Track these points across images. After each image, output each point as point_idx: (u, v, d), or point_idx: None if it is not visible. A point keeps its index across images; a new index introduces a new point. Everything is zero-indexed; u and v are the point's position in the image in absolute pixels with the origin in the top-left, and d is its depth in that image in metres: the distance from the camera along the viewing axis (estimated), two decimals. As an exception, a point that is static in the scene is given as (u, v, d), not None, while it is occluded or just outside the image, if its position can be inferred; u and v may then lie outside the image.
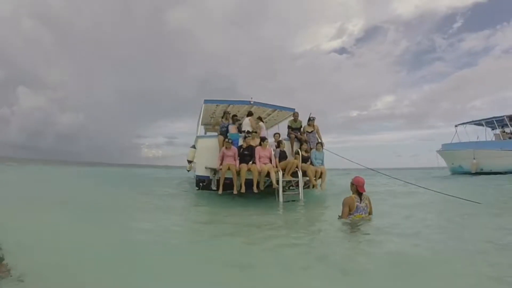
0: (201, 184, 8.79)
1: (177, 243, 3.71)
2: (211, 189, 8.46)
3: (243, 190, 7.57)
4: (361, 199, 4.47)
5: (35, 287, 2.30)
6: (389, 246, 3.41)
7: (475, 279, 2.55)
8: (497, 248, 3.33)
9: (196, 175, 8.91)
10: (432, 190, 7.61)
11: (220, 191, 7.73)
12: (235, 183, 7.68)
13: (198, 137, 9.30)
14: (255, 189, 7.57)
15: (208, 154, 8.56)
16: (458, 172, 20.47)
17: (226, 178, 7.87)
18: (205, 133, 13.44)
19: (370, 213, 4.57)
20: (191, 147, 9.59)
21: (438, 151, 22.13)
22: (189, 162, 9.55)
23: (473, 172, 18.69)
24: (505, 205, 7.14)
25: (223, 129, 8.91)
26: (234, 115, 9.54)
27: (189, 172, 10.63)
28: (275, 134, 9.02)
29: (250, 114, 9.58)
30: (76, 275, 2.51)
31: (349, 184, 4.62)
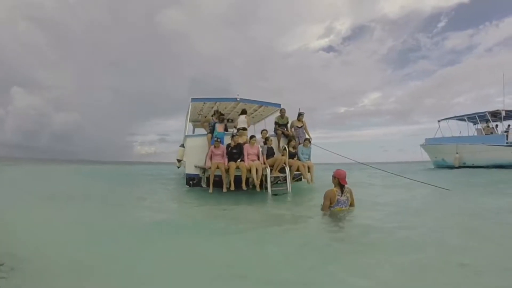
0: (191, 182, 8.81)
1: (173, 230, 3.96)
2: (201, 187, 8.52)
3: (232, 188, 7.59)
4: (342, 192, 4.55)
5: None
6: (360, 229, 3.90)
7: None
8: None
9: (186, 174, 8.91)
10: (408, 178, 8.77)
11: (210, 190, 7.74)
12: (224, 181, 7.72)
13: (186, 136, 9.31)
14: (244, 186, 7.61)
15: (197, 153, 8.57)
16: (442, 165, 20.95)
17: (215, 176, 7.90)
18: (193, 130, 13.45)
19: (351, 205, 4.68)
20: (180, 146, 9.61)
21: (422, 146, 22.61)
22: (179, 161, 9.55)
23: (456, 166, 19.19)
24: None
25: (210, 127, 8.91)
26: (221, 114, 9.53)
27: (179, 168, 10.63)
28: (262, 130, 9.06)
29: (244, 112, 9.63)
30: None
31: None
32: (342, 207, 4.53)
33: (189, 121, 10.97)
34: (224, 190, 7.66)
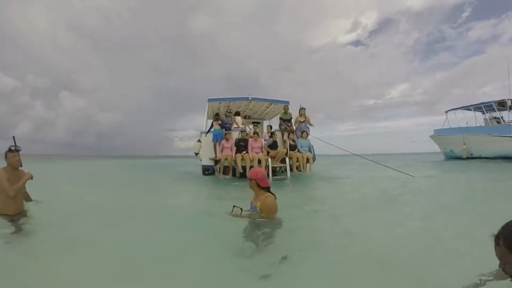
0: (206, 172, 9.64)
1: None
2: (215, 175, 9.36)
3: (237, 175, 8.39)
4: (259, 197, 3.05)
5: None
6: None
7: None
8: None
9: (202, 165, 9.76)
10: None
11: (221, 177, 8.54)
12: (231, 170, 8.63)
13: (201, 132, 10.07)
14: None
15: (210, 147, 9.35)
16: (450, 156, 20.35)
17: (226, 166, 8.71)
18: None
19: (261, 212, 2.98)
20: (197, 141, 10.40)
21: (431, 136, 22.02)
22: (196, 154, 10.35)
23: (464, 157, 18.42)
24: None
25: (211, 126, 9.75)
26: (216, 114, 10.11)
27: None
28: (267, 126, 9.66)
29: (237, 114, 10.46)
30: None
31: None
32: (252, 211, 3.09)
33: (208, 119, 11.75)
34: (229, 176, 8.62)
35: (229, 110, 10.25)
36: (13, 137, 3.54)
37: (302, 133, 9.29)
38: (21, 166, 3.46)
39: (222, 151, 8.81)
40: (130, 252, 2.50)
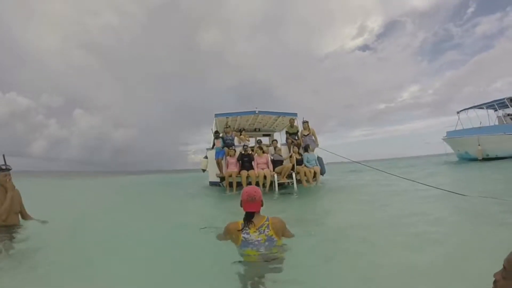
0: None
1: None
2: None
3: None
4: (250, 226, 2.34)
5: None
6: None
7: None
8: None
9: (209, 181, 9.42)
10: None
11: (227, 191, 8.16)
12: (234, 186, 8.26)
13: (207, 149, 9.72)
14: None
15: (215, 163, 8.96)
16: (466, 158, 19.33)
17: (230, 182, 8.36)
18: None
19: (277, 235, 2.38)
20: (204, 157, 10.03)
21: (444, 139, 21.07)
22: (203, 170, 9.96)
23: (480, 158, 17.41)
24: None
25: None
26: (216, 131, 9.83)
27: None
28: (272, 141, 9.23)
29: (240, 131, 10.32)
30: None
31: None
32: (255, 249, 2.30)
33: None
34: (234, 192, 8.12)
35: (227, 126, 9.90)
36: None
37: (305, 147, 8.80)
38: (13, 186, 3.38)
39: (227, 167, 8.41)
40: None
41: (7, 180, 3.28)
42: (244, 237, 2.33)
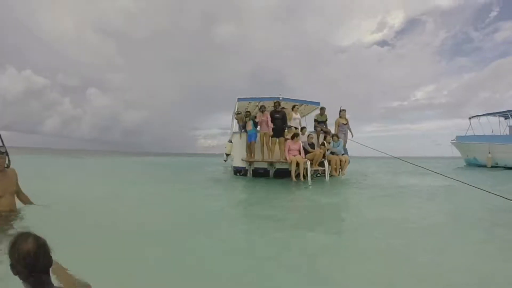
0: (238, 174, 8.83)
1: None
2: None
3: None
4: None
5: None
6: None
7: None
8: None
9: (234, 166, 8.97)
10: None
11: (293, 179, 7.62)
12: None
13: (234, 132, 9.30)
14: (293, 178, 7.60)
15: (243, 148, 8.54)
16: (473, 164, 18.98)
17: (260, 168, 7.92)
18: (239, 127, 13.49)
19: None
20: (228, 141, 9.61)
21: (453, 143, 20.65)
22: (227, 155, 9.56)
23: (489, 166, 17.10)
24: None
25: (242, 127, 8.93)
26: (247, 111, 9.27)
27: (226, 162, 10.71)
28: (302, 128, 8.78)
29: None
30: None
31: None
32: None
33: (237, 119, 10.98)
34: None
35: (237, 112, 9.48)
36: None
37: (332, 136, 8.44)
38: (8, 166, 2.98)
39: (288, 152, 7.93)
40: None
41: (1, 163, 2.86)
42: None
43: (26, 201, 3.19)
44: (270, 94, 9.80)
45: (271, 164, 8.16)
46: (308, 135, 8.40)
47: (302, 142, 8.07)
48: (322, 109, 9.20)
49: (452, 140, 20.78)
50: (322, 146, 8.13)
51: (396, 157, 9.88)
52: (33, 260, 0.99)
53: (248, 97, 10.21)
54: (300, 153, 7.80)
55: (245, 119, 8.78)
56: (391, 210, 4.53)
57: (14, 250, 1.01)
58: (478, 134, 18.89)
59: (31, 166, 10.80)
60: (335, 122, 8.93)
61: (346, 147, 8.87)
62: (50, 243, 1.07)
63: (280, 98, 9.46)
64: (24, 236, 1.04)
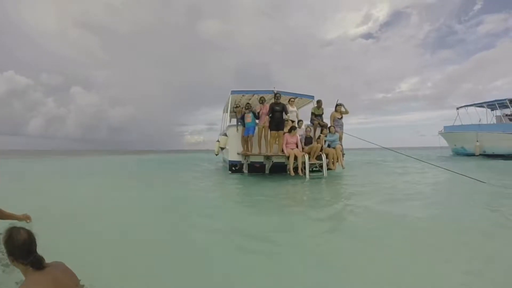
0: (233, 168, 8.46)
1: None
2: (243, 172, 8.11)
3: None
4: None
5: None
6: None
7: None
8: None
9: (229, 160, 8.57)
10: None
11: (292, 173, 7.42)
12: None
13: (229, 126, 8.90)
14: (291, 173, 7.34)
15: (238, 141, 8.16)
16: (461, 153, 19.24)
17: (256, 163, 7.54)
18: (230, 121, 13.06)
19: None
20: (223, 135, 9.20)
21: (440, 133, 20.87)
22: (222, 148, 9.15)
23: (477, 154, 17.38)
24: None
25: (240, 119, 8.44)
26: (247, 103, 8.85)
27: (217, 156, 10.30)
28: (299, 121, 8.45)
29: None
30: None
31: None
32: None
33: (229, 112, 10.57)
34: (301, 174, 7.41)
35: (236, 106, 9.18)
36: None
37: (329, 128, 8.27)
38: None
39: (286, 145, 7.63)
40: None
41: None
42: None
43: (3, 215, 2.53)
44: (259, 89, 9.48)
45: (267, 157, 7.81)
46: (306, 128, 8.09)
47: (299, 135, 7.75)
48: (319, 102, 8.91)
49: (439, 131, 21.03)
50: (319, 140, 7.83)
51: (386, 148, 9.80)
52: (29, 245, 1.31)
53: (242, 90, 9.81)
54: (297, 147, 7.49)
55: (244, 111, 8.35)
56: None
57: (12, 241, 1.30)
58: (466, 123, 19.14)
59: (13, 174, 10.20)
60: (330, 116, 8.71)
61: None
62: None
63: (275, 91, 9.10)
64: (15, 229, 1.34)
